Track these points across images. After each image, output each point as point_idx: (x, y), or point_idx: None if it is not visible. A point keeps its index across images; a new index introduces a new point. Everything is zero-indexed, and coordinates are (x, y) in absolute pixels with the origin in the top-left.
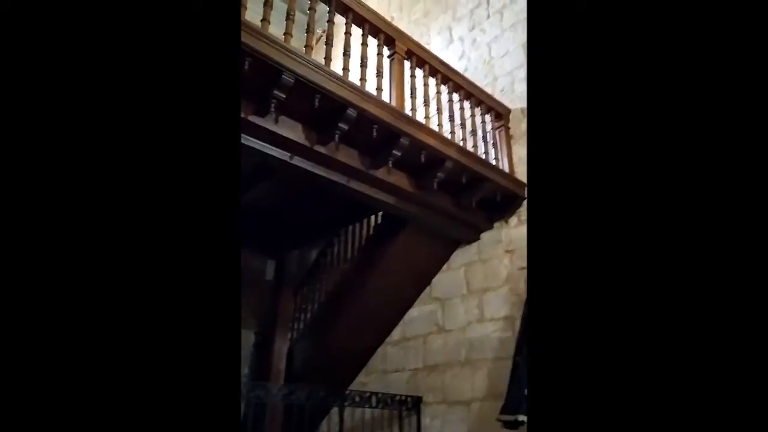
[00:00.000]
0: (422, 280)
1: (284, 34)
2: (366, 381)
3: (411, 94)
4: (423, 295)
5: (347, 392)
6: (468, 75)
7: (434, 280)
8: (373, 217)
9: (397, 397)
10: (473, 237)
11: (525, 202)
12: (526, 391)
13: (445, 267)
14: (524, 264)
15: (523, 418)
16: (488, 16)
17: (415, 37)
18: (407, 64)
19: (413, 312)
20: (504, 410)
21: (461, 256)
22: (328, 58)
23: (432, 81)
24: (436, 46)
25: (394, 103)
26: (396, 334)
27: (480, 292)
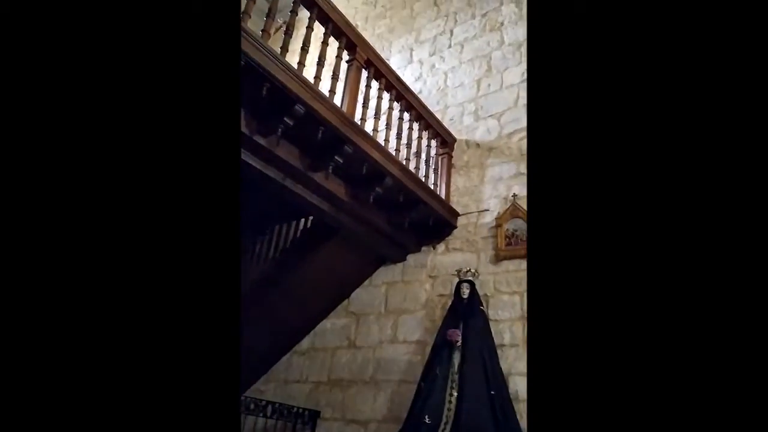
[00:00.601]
0: (341, 292)
1: (242, 13)
2: (264, 389)
3: (363, 103)
4: (339, 308)
5: (242, 398)
6: (422, 98)
7: (353, 294)
8: (302, 221)
9: (295, 409)
10: (399, 257)
11: (455, 231)
12: (426, 417)
13: (366, 282)
14: (444, 291)
15: None
16: (449, 46)
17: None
18: (364, 73)
19: (326, 323)
20: None
21: (384, 275)
22: (284, 48)
23: (386, 95)
24: (395, 63)
25: (344, 109)
26: (305, 343)
27: (397, 312)
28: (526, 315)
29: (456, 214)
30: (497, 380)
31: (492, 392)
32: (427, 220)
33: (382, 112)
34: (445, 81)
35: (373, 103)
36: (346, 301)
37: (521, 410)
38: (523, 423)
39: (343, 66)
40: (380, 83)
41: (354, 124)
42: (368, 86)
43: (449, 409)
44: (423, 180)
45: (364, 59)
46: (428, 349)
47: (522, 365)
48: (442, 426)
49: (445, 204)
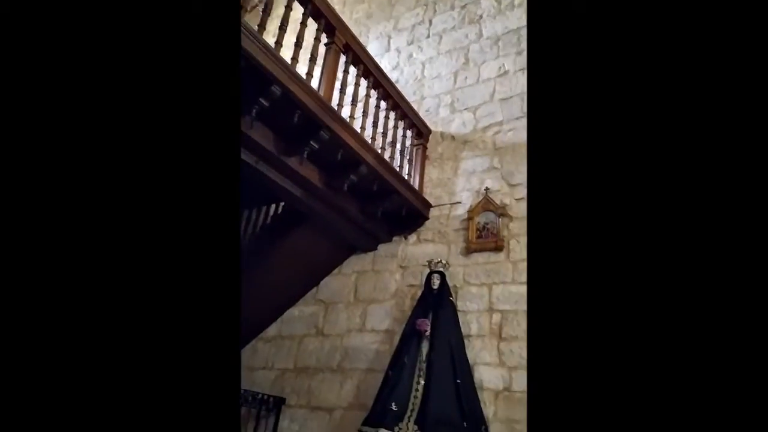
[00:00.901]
0: (310, 280)
1: None
2: None
3: (340, 89)
4: (308, 296)
5: None
6: (399, 87)
7: (322, 283)
8: (273, 207)
9: (259, 396)
10: (371, 246)
11: (427, 222)
12: (393, 405)
13: (336, 271)
14: (415, 282)
15: (384, 431)
16: (428, 36)
17: None
18: (343, 57)
19: (294, 311)
20: (367, 422)
21: (355, 263)
22: (262, 27)
23: (363, 82)
24: (373, 50)
25: (321, 94)
26: (272, 330)
27: (366, 302)
28: (492, 306)
29: (429, 206)
30: (463, 369)
31: (458, 381)
32: (400, 211)
33: (359, 99)
34: (423, 71)
35: (350, 90)
36: (314, 289)
37: (485, 398)
38: (486, 410)
39: (321, 49)
40: (358, 69)
41: (331, 109)
42: (346, 72)
43: (416, 397)
44: (397, 170)
45: (342, 43)
46: (396, 339)
47: (487, 355)
48: (408, 413)
49: (419, 195)
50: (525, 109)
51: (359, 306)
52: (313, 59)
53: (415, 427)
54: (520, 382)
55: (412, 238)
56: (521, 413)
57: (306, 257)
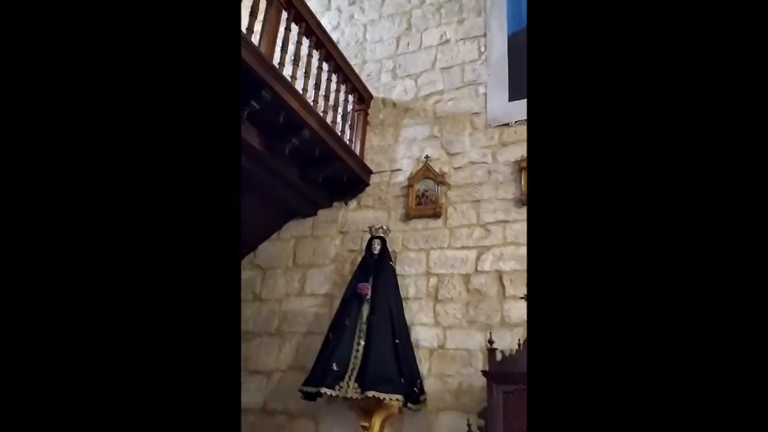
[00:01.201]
0: (246, 245)
1: None
2: None
3: (282, 47)
4: (244, 261)
5: None
6: (339, 48)
7: (260, 248)
8: None
9: None
10: (310, 212)
11: (367, 189)
12: (334, 365)
13: (274, 236)
14: (355, 247)
15: (325, 390)
16: None
17: None
18: (284, 14)
19: None
20: (308, 382)
21: (294, 229)
22: None
23: (306, 41)
24: (312, 7)
25: (263, 51)
26: None
27: (305, 267)
28: (429, 270)
29: (369, 172)
30: (402, 330)
31: (396, 341)
32: (342, 177)
33: (300, 59)
34: (364, 34)
35: (291, 49)
36: (251, 254)
37: (420, 356)
38: (421, 367)
39: (263, 4)
40: (300, 27)
41: (273, 68)
42: (287, 29)
43: (356, 357)
44: (339, 135)
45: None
46: (336, 302)
47: (423, 316)
48: (349, 372)
49: (360, 161)
50: (465, 79)
51: (298, 271)
52: (253, 14)
53: (356, 385)
54: (453, 339)
55: (353, 204)
56: (453, 368)
57: (242, 222)
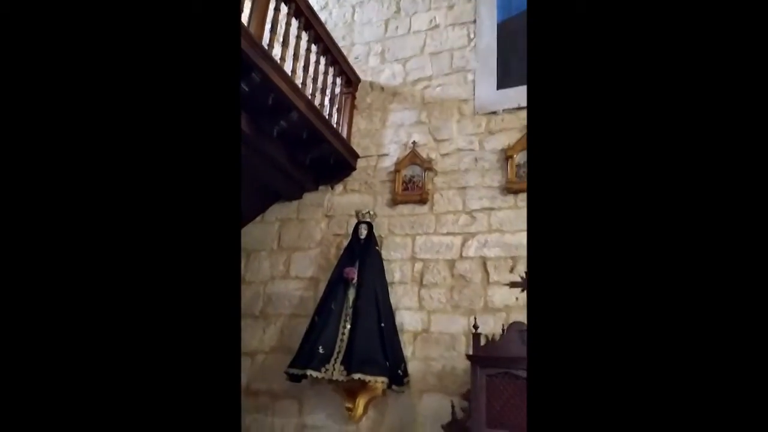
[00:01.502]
0: None
1: None
2: None
3: (271, 28)
4: None
5: None
6: (327, 29)
7: (244, 230)
8: None
9: None
10: (296, 195)
11: (354, 173)
12: (320, 348)
13: (258, 219)
14: (340, 231)
15: (311, 372)
16: None
17: None
18: None
19: None
20: (294, 364)
21: (279, 211)
22: None
23: (294, 22)
24: None
25: (252, 31)
26: None
27: (290, 250)
28: (415, 256)
29: (356, 156)
30: (387, 314)
31: (382, 325)
32: (328, 160)
33: (290, 41)
34: (353, 16)
35: (281, 30)
36: None
37: (404, 339)
38: (406, 350)
39: None
40: (289, 8)
41: (262, 48)
42: (277, 9)
43: (342, 341)
44: (327, 118)
45: None
46: (322, 286)
47: (408, 300)
48: (335, 355)
49: (347, 145)
50: (454, 66)
51: (283, 254)
52: None
53: (342, 368)
54: (437, 323)
55: (339, 188)
56: (437, 351)
57: None
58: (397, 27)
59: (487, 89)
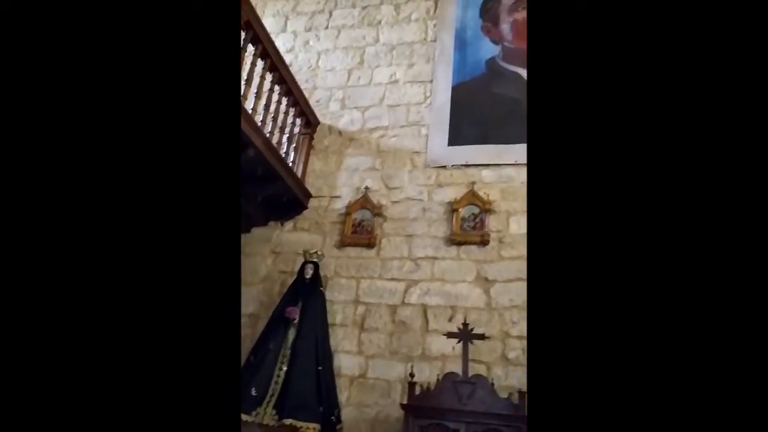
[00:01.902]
0: None
1: None
2: None
3: None
4: None
5: None
6: (292, 72)
7: None
8: None
9: None
10: (243, 228)
11: (305, 212)
12: (253, 390)
13: None
14: (286, 268)
15: (244, 417)
16: (327, 27)
17: None
18: (242, 34)
19: None
20: None
21: None
22: None
23: (260, 63)
24: (267, 27)
25: None
26: None
27: None
28: (358, 299)
29: (309, 196)
30: (326, 357)
31: (319, 368)
32: (281, 198)
33: (252, 80)
34: (318, 62)
35: (246, 70)
36: None
37: (341, 384)
38: (341, 395)
39: None
40: (256, 49)
41: None
42: (243, 49)
43: (277, 383)
44: (283, 156)
45: (244, 20)
46: (261, 324)
47: (348, 344)
48: (267, 398)
49: (301, 184)
50: (410, 119)
51: None
52: None
53: (273, 412)
54: (375, 369)
55: (289, 225)
56: (372, 398)
57: None
58: (359, 77)
59: (439, 144)
